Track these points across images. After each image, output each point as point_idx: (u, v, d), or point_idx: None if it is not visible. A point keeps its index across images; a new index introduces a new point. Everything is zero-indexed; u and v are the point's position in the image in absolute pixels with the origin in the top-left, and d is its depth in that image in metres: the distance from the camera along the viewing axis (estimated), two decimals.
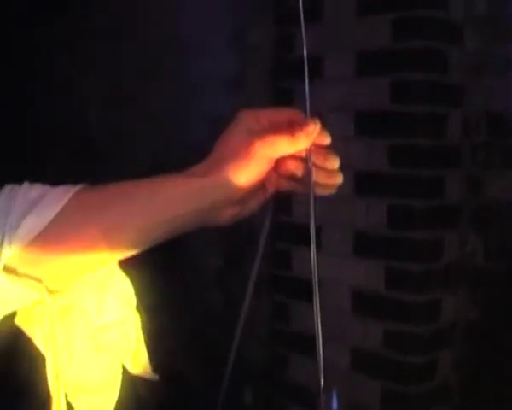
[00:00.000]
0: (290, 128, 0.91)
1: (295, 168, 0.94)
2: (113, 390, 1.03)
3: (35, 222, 0.90)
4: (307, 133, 0.91)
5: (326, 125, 0.93)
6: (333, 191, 0.97)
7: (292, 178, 0.95)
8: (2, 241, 0.88)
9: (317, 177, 0.94)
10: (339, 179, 0.96)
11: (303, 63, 0.94)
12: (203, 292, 3.65)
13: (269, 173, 0.94)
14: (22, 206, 0.90)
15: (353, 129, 2.85)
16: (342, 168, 0.95)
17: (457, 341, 2.82)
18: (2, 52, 4.44)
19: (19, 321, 0.95)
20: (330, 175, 0.95)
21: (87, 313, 0.98)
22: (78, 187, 0.94)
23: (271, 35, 3.23)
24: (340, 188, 0.98)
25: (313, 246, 0.91)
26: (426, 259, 2.73)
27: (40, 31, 4.37)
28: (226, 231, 3.57)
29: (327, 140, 0.94)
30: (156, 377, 1.07)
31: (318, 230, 2.88)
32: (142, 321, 1.06)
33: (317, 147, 0.93)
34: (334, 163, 0.95)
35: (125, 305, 1.02)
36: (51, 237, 0.91)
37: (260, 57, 3.37)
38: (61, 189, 0.94)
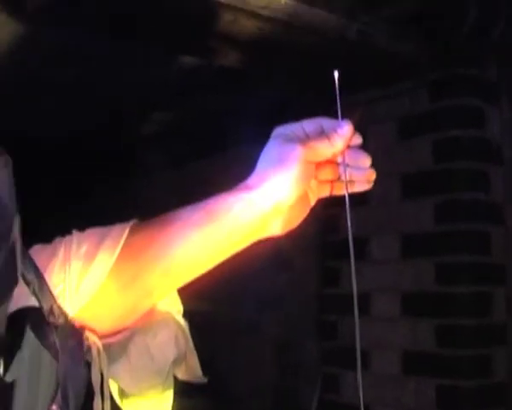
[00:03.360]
0: (326, 133, 0.94)
1: (333, 173, 0.98)
2: (167, 398, 1.04)
3: (92, 283, 0.89)
4: (343, 136, 0.93)
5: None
6: (369, 187, 1.00)
7: (331, 183, 0.99)
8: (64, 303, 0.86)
9: (352, 176, 0.97)
10: (373, 175, 0.98)
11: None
12: None
13: (310, 182, 0.97)
14: (77, 265, 0.89)
15: (400, 310, 2.81)
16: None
17: None
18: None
19: None
20: (365, 173, 0.98)
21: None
22: (127, 231, 0.93)
23: (317, 216, 3.25)
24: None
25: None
26: None
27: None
28: (273, 402, 3.50)
29: (359, 140, 0.96)
30: (205, 379, 1.08)
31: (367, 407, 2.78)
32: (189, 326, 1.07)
33: (349, 149, 0.96)
34: (367, 161, 0.97)
35: (170, 309, 1.03)
36: (108, 293, 0.90)
37: (307, 238, 3.38)
38: (112, 236, 0.92)
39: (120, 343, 0.97)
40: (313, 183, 0.98)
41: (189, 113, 3.66)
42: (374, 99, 2.92)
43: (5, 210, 0.62)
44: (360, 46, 2.57)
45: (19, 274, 0.65)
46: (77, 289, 0.88)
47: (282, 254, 3.52)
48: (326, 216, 3.14)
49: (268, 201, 0.92)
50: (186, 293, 1.13)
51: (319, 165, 0.96)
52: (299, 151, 0.91)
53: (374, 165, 0.97)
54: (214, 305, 3.68)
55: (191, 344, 1.07)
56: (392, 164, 2.84)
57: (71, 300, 0.87)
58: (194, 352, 1.08)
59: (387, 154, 2.86)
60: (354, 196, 0.96)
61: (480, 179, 2.71)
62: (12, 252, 0.62)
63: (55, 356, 0.68)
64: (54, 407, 0.67)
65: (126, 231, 0.93)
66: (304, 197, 0.97)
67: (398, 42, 2.64)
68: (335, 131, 0.93)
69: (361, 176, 0.98)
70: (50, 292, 0.74)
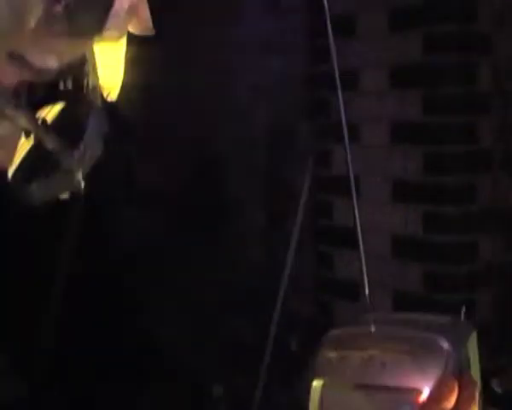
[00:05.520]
0: None
1: None
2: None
3: None
4: None
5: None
6: None
7: None
8: None
9: None
10: None
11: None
12: (246, 250, 3.66)
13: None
14: None
15: (388, 83, 2.84)
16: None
17: (494, 282, 2.79)
18: None
19: None
20: None
21: None
22: None
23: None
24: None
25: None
26: (461, 202, 2.71)
27: None
28: (268, 190, 3.59)
29: None
30: (153, 31, 0.98)
31: (357, 180, 2.87)
32: None
33: None
34: None
35: None
36: None
37: (296, 19, 3.34)
38: None
39: None
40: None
41: None
42: None
43: None
44: None
45: None
46: None
47: (271, 34, 3.49)
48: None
49: None
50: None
51: None
52: None
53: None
54: (205, 93, 3.68)
55: None
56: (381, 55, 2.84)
57: None
58: (146, 3, 1.03)
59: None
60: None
61: None
62: None
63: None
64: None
65: None
66: None
67: None
68: None
69: None
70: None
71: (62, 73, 0.70)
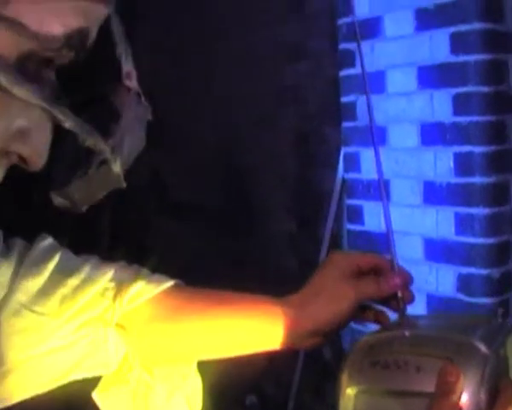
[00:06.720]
0: (377, 277, 0.97)
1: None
2: None
3: (145, 287, 0.98)
4: (393, 287, 0.95)
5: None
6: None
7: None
8: (115, 298, 0.95)
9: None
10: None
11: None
12: (277, 257, 3.65)
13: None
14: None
15: (416, 83, 2.81)
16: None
17: None
18: None
19: (97, 394, 0.99)
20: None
21: (155, 405, 1.01)
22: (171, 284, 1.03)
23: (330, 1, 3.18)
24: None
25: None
26: (493, 203, 2.67)
27: None
28: (298, 197, 3.58)
29: (410, 280, 0.98)
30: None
31: (387, 183, 2.85)
32: None
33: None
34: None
35: (190, 408, 1.05)
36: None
37: (321, 24, 3.33)
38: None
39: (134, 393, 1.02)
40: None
41: None
42: None
43: None
44: None
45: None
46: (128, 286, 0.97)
47: (297, 39, 3.47)
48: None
49: (308, 324, 0.95)
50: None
51: None
52: (349, 295, 0.95)
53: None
54: (231, 102, 3.68)
55: None
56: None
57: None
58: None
59: None
60: None
61: None
62: None
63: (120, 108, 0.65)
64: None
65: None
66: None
67: None
68: (387, 281, 0.95)
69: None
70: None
71: (71, 42, 0.57)
